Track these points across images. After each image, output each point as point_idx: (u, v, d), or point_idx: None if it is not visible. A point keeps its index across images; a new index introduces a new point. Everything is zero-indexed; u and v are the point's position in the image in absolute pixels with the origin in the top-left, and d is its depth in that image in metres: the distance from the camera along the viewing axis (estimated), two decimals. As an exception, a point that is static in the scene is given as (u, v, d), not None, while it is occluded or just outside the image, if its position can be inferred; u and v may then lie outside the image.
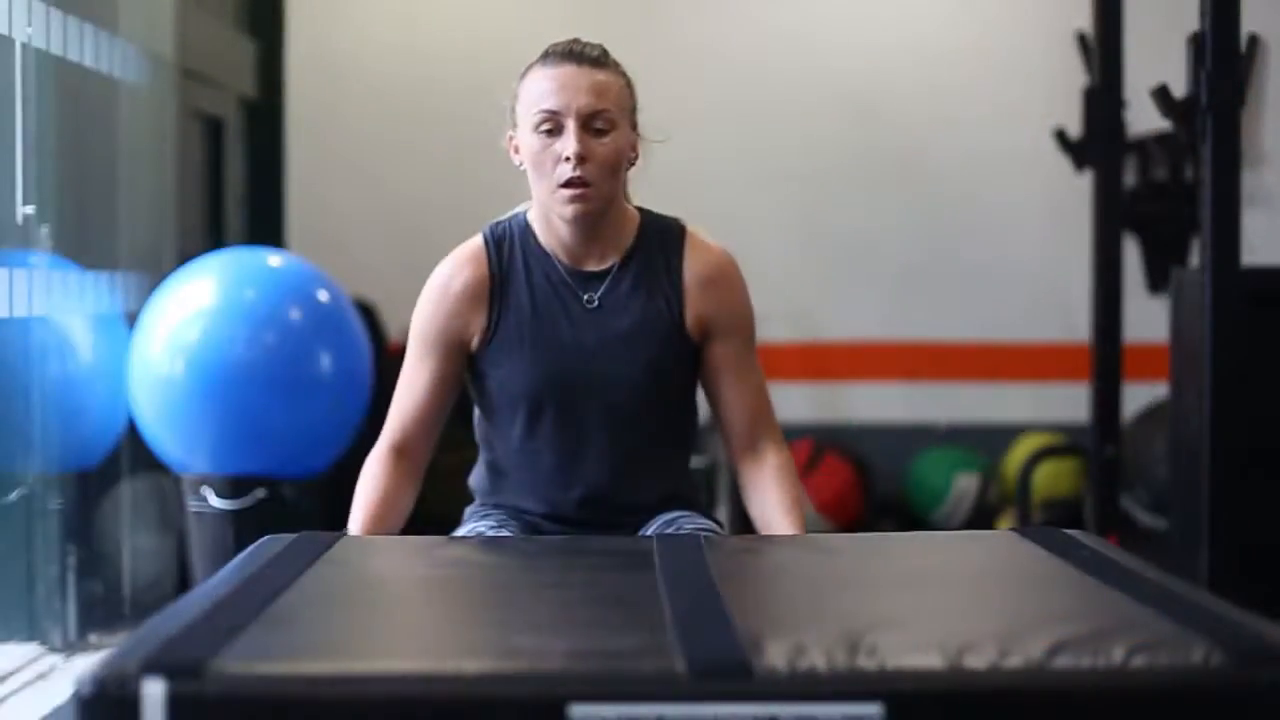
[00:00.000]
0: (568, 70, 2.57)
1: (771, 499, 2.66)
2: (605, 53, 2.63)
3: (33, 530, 4.06)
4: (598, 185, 2.56)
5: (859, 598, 2.08)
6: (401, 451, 2.69)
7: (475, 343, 2.65)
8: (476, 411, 2.76)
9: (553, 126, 2.56)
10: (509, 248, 2.66)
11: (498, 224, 2.70)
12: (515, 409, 2.66)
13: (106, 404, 4.28)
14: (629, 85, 2.64)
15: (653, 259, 2.66)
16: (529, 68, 2.61)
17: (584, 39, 2.64)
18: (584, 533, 2.67)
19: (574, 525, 2.69)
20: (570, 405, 2.64)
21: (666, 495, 2.73)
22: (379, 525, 2.64)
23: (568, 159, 2.54)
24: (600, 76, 2.58)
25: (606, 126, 2.57)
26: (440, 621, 2.02)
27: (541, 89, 2.57)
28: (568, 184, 2.55)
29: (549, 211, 2.61)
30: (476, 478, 2.80)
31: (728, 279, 2.67)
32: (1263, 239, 5.53)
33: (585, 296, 2.63)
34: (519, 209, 2.71)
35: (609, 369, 2.63)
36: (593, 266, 2.64)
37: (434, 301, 2.66)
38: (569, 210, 2.57)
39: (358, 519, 2.65)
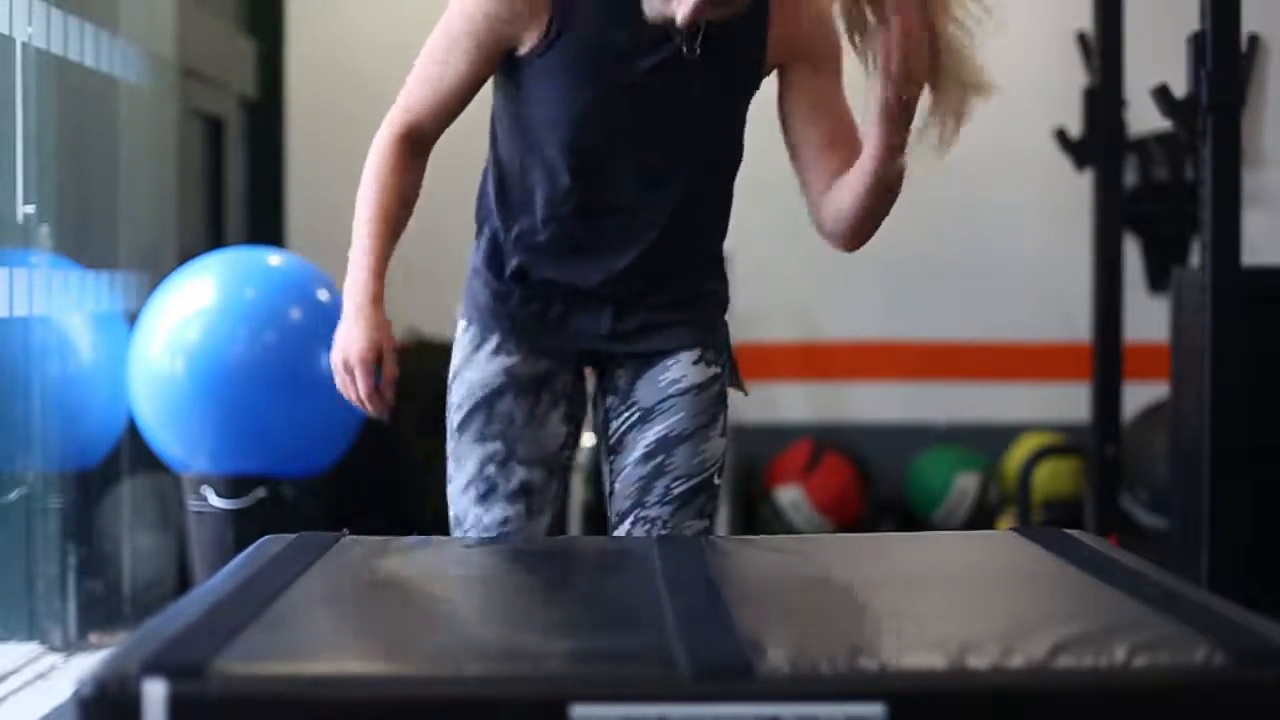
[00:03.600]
0: None
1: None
2: None
3: (33, 530, 4.06)
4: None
5: (860, 598, 2.08)
6: (415, 143, 2.51)
7: (525, 50, 2.41)
8: (491, 156, 2.56)
9: None
10: None
11: None
12: (553, 134, 2.44)
13: (106, 404, 4.29)
14: None
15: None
16: None
17: None
18: (602, 297, 2.53)
19: (593, 295, 2.53)
20: (614, 153, 2.45)
21: (697, 279, 2.58)
22: (391, 224, 2.53)
23: None
24: None
25: None
26: (441, 622, 2.02)
27: None
28: None
29: None
30: (479, 255, 2.60)
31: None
32: (1263, 239, 5.53)
33: (684, 45, 2.38)
34: None
35: (671, 128, 2.42)
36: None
37: None
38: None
39: (368, 216, 2.52)
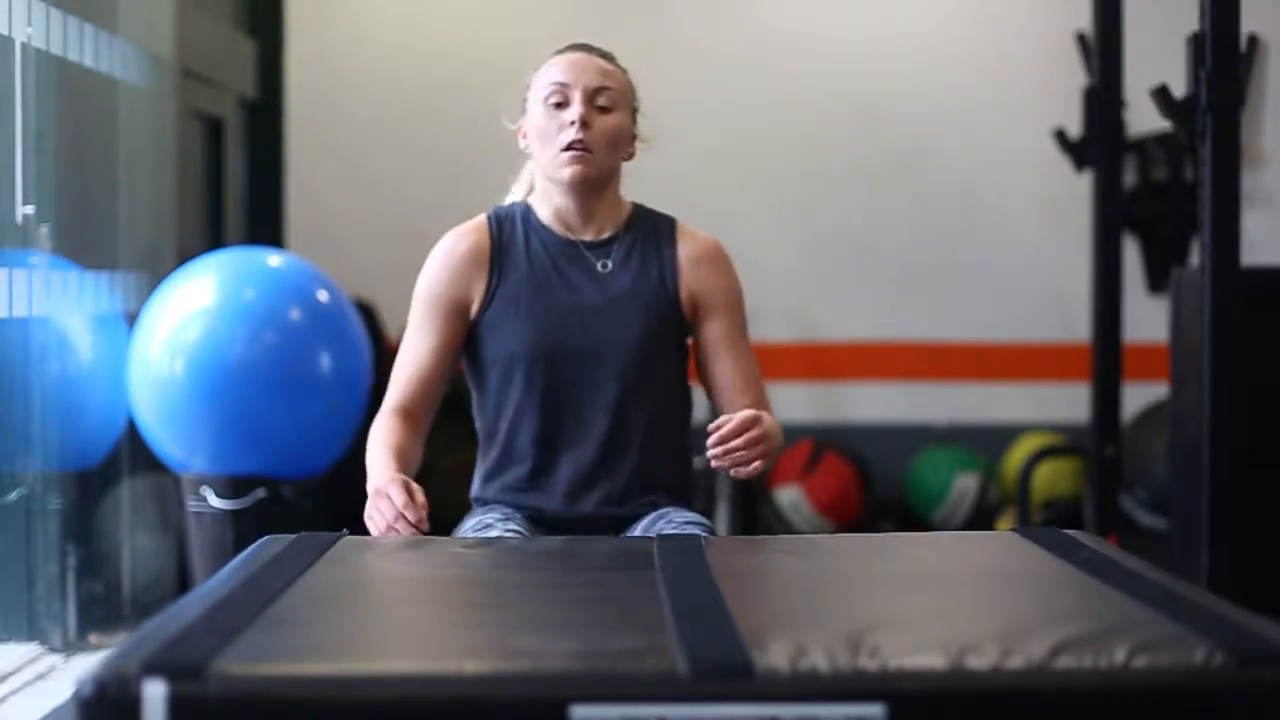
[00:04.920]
0: (578, 56, 2.80)
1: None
2: (612, 55, 2.86)
3: (33, 530, 4.05)
4: (597, 154, 2.73)
5: (860, 598, 2.08)
6: (406, 414, 2.77)
7: (475, 308, 2.77)
8: (475, 405, 2.81)
9: (561, 99, 2.74)
10: (510, 223, 2.82)
11: (499, 207, 2.86)
12: (511, 373, 2.74)
13: (106, 404, 4.28)
14: (631, 86, 2.85)
15: (647, 240, 2.81)
16: (542, 62, 2.82)
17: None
18: (578, 523, 2.70)
19: (568, 519, 2.73)
20: (564, 370, 2.73)
21: (658, 482, 2.77)
22: (402, 467, 2.68)
23: (572, 123, 2.71)
24: (606, 65, 2.81)
25: (609, 104, 2.76)
26: (441, 622, 2.02)
27: (553, 69, 2.79)
28: (569, 147, 2.71)
29: (550, 182, 2.77)
30: (475, 480, 2.84)
31: (718, 259, 2.83)
32: (1263, 239, 5.53)
33: (599, 263, 2.77)
34: (519, 199, 2.88)
35: (604, 334, 2.74)
36: (589, 238, 2.79)
37: (437, 265, 2.79)
38: (568, 172, 2.73)
39: (381, 461, 2.68)
